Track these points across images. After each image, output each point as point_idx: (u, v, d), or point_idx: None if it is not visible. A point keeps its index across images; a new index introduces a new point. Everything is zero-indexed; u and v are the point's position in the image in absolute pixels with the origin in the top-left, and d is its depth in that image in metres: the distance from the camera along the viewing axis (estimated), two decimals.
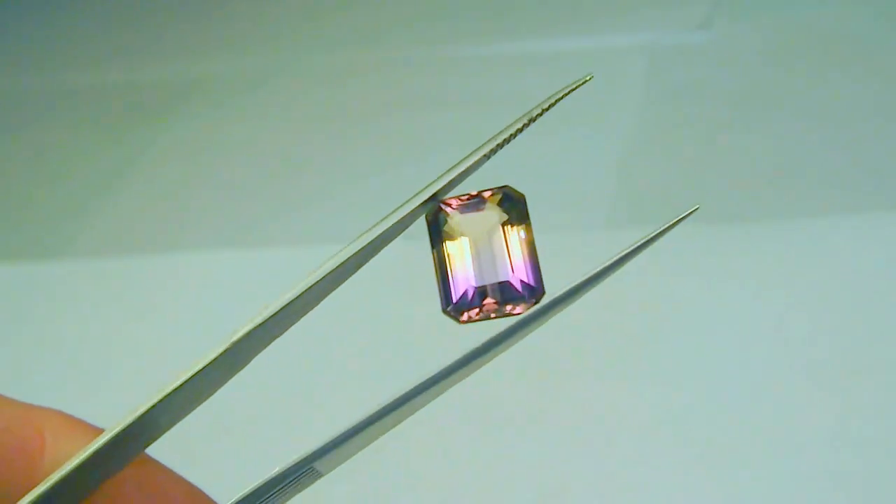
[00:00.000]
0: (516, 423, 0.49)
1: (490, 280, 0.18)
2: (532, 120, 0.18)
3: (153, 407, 0.18)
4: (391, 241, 0.18)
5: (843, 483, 0.44)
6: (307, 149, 0.73)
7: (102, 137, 0.78)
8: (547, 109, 0.18)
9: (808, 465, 0.45)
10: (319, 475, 0.19)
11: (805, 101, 0.69)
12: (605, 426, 0.48)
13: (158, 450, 0.20)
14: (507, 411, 0.50)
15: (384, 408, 0.18)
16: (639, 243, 0.18)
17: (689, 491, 0.45)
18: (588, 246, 0.55)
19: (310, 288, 0.18)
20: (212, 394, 0.18)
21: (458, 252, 0.18)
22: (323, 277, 0.18)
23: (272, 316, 0.18)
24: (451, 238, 0.18)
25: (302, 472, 0.18)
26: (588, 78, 0.18)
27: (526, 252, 0.18)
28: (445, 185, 0.18)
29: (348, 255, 0.18)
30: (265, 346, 0.18)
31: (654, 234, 0.18)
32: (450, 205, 0.18)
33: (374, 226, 0.18)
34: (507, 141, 0.17)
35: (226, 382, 0.18)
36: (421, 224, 0.19)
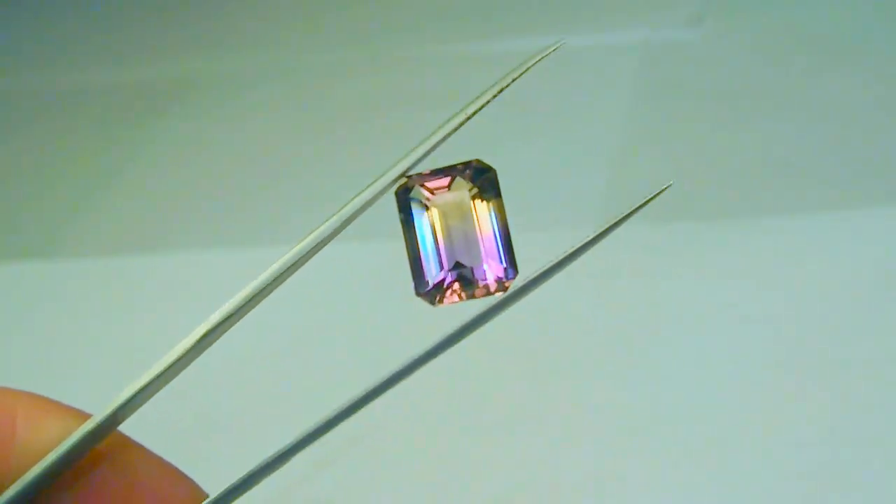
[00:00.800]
0: (507, 421, 0.49)
1: (462, 261, 0.18)
2: (501, 90, 0.17)
3: (137, 393, 0.18)
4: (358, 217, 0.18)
5: (836, 480, 0.44)
6: (299, 149, 0.73)
7: (94, 137, 0.78)
8: (517, 78, 0.17)
9: (803, 462, 0.45)
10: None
11: (796, 97, 0.68)
12: (596, 424, 0.48)
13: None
14: (498, 410, 0.49)
15: (363, 397, 0.18)
16: (612, 222, 0.17)
17: (682, 489, 0.44)
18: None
19: (282, 273, 0.18)
20: (181, 371, 0.18)
21: (430, 232, 0.18)
22: (295, 262, 0.18)
23: (248, 300, 0.18)
24: (421, 216, 0.17)
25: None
26: (559, 44, 0.17)
27: (498, 230, 0.17)
28: (415, 162, 0.17)
29: (320, 237, 0.18)
30: (236, 323, 0.18)
31: (628, 213, 0.17)
32: (419, 181, 0.17)
33: (341, 207, 0.18)
34: (476, 112, 0.17)
35: (195, 359, 0.18)
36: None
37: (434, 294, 0.18)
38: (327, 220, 0.18)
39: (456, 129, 0.17)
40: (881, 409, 0.46)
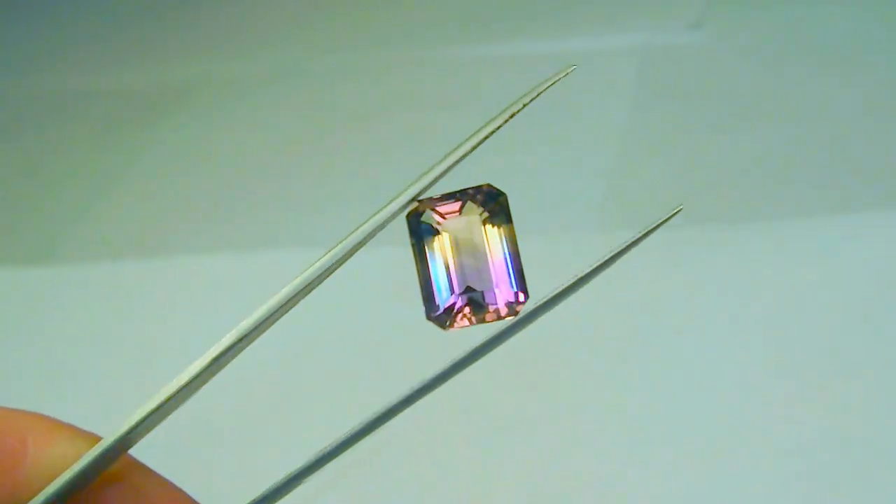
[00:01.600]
0: (506, 425, 0.49)
1: (473, 285, 0.17)
2: (513, 115, 0.17)
3: (148, 415, 0.18)
4: (368, 242, 0.18)
5: (836, 483, 0.44)
6: (304, 153, 0.72)
7: (97, 142, 0.78)
8: (528, 104, 0.17)
9: (801, 465, 0.45)
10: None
11: (795, 101, 0.68)
12: (595, 428, 0.48)
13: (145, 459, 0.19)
14: (497, 414, 0.49)
15: (373, 420, 0.18)
16: (623, 246, 0.17)
17: (679, 491, 0.44)
18: (578, 248, 0.55)
19: (293, 296, 0.18)
20: (193, 394, 0.18)
21: (441, 256, 0.17)
22: (306, 286, 0.18)
23: (261, 322, 0.18)
24: (432, 241, 0.17)
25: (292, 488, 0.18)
26: (570, 69, 0.17)
27: (509, 255, 0.17)
28: (427, 186, 0.17)
29: (330, 262, 0.18)
30: (248, 345, 0.18)
31: (638, 237, 0.17)
32: (430, 206, 0.17)
33: (353, 231, 0.17)
34: (487, 137, 0.17)
35: (208, 381, 0.18)
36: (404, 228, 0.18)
37: (444, 318, 0.18)
38: (336, 246, 0.17)
39: (467, 155, 0.17)
40: (879, 413, 0.46)
